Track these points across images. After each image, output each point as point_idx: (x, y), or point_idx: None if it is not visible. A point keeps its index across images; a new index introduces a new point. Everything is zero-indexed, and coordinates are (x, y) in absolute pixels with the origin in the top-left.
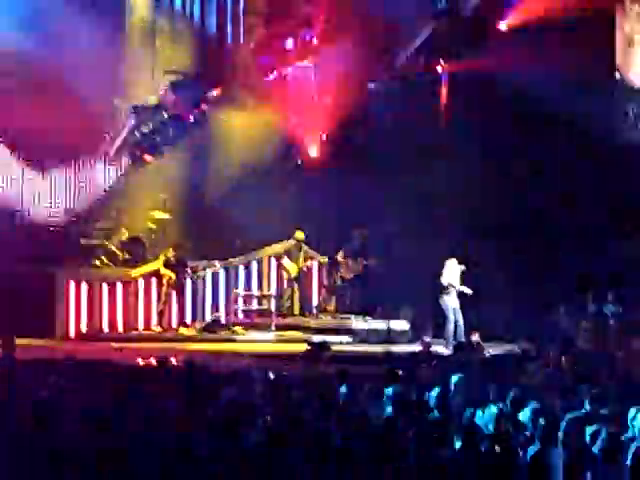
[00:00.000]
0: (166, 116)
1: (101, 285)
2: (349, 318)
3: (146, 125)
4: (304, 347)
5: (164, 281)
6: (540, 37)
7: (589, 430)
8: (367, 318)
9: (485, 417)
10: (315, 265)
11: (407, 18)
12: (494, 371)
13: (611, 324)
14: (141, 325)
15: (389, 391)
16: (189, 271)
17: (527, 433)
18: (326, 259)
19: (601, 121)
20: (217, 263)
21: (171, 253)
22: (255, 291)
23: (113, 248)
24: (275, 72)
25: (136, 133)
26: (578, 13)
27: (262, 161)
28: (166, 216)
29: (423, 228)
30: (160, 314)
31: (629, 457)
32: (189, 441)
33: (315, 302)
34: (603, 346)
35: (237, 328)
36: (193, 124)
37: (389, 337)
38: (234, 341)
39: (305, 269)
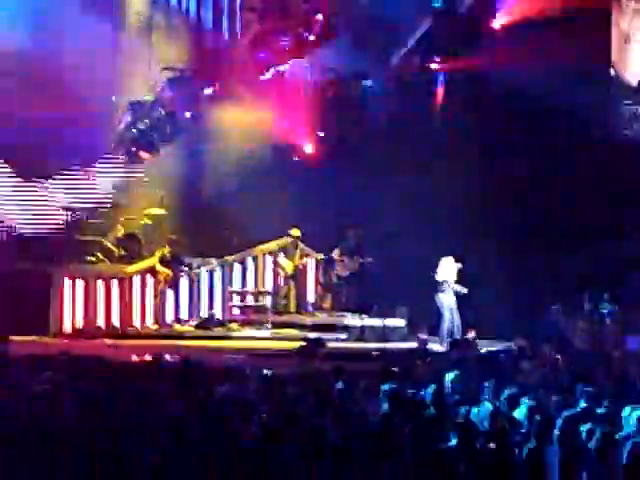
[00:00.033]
0: (163, 113)
1: (96, 281)
2: (345, 315)
3: (143, 122)
4: (299, 344)
5: (160, 278)
6: (537, 34)
7: (584, 428)
8: (363, 315)
9: (481, 414)
10: (311, 262)
11: (405, 16)
12: (490, 368)
13: (607, 323)
14: (136, 322)
15: (385, 388)
16: (185, 268)
17: (523, 430)
18: (322, 257)
19: (598, 118)
20: (213, 260)
21: (167, 250)
22: (251, 288)
23: (109, 244)
24: (272, 69)
25: (133, 130)
26: (573, 12)
27: (258, 158)
28: (162, 213)
29: (419, 226)
30: (156, 311)
31: (624, 456)
32: (184, 437)
33: (311, 299)
34: (599, 345)
35: (233, 325)
36: (190, 121)
37: (385, 334)
38: (230, 338)
39: (301, 266)
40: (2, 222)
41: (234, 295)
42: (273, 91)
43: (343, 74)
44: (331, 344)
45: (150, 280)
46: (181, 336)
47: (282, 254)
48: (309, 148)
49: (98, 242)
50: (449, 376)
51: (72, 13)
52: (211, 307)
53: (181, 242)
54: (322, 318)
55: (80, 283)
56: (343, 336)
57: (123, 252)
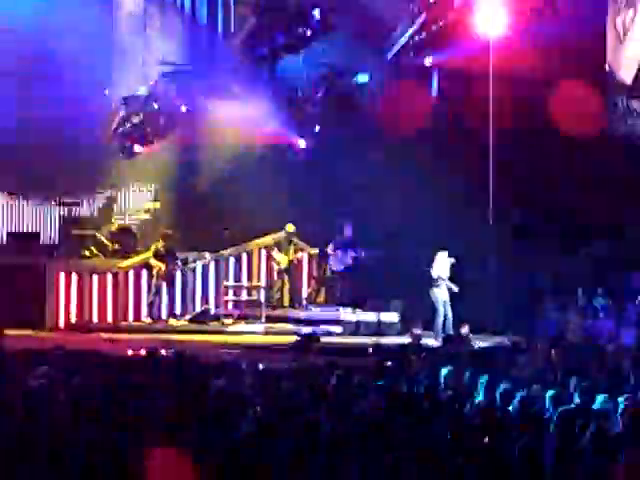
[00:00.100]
0: (156, 107)
1: (91, 276)
2: (338, 310)
3: (136, 116)
4: (294, 339)
5: (154, 272)
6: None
7: (578, 423)
8: (357, 310)
9: (474, 409)
10: (305, 257)
11: (400, 11)
12: (483, 363)
13: (601, 317)
14: (131, 316)
15: (378, 383)
16: (179, 262)
17: (516, 425)
18: (316, 251)
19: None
20: (207, 255)
21: (161, 244)
22: (245, 283)
23: (103, 239)
24: (266, 63)
25: (126, 124)
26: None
27: (253, 152)
28: (157, 207)
29: (413, 220)
30: (150, 305)
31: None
32: (178, 432)
33: (305, 294)
34: (593, 339)
35: (227, 319)
36: (183, 115)
37: (379, 329)
38: (224, 332)
39: (295, 261)
40: None
41: (228, 289)
42: (268, 85)
43: (338, 69)
44: (325, 338)
45: (144, 274)
46: (175, 330)
47: (276, 249)
48: (303, 142)
49: (92, 236)
50: (443, 371)
51: (68, 8)
52: (205, 301)
53: (175, 236)
54: (316, 312)
55: (75, 277)
56: (338, 330)
57: (117, 246)
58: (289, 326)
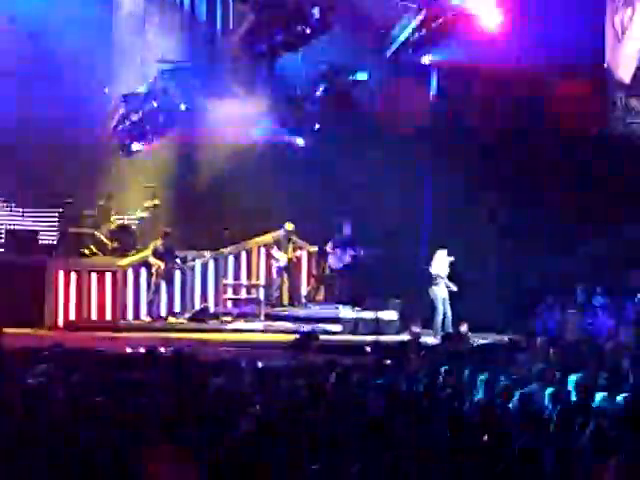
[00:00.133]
0: (156, 105)
1: (90, 274)
2: (337, 308)
3: (136, 114)
4: (293, 337)
5: (153, 271)
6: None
7: (578, 421)
8: (356, 308)
9: (473, 407)
10: (304, 255)
11: (399, 9)
12: (483, 361)
13: (600, 316)
14: (130, 314)
15: (378, 381)
16: (178, 261)
17: (515, 423)
18: (315, 249)
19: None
20: (206, 253)
21: (160, 242)
22: (244, 281)
23: (102, 237)
24: (265, 61)
25: (126, 122)
26: None
27: (252, 151)
28: (156, 205)
29: (412, 219)
30: (149, 303)
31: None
32: (176, 430)
33: (304, 292)
34: (592, 338)
35: (226, 317)
36: (183, 113)
37: (378, 327)
38: (223, 330)
39: (295, 259)
40: None
41: (228, 288)
42: (267, 83)
43: (337, 67)
44: (324, 337)
45: (144, 273)
46: (174, 329)
47: (276, 247)
48: (301, 141)
49: (91, 235)
50: (442, 370)
51: (68, 8)
52: (205, 300)
53: (175, 235)
54: (315, 310)
55: (74, 276)
56: (337, 329)
57: (116, 245)
58: (288, 324)
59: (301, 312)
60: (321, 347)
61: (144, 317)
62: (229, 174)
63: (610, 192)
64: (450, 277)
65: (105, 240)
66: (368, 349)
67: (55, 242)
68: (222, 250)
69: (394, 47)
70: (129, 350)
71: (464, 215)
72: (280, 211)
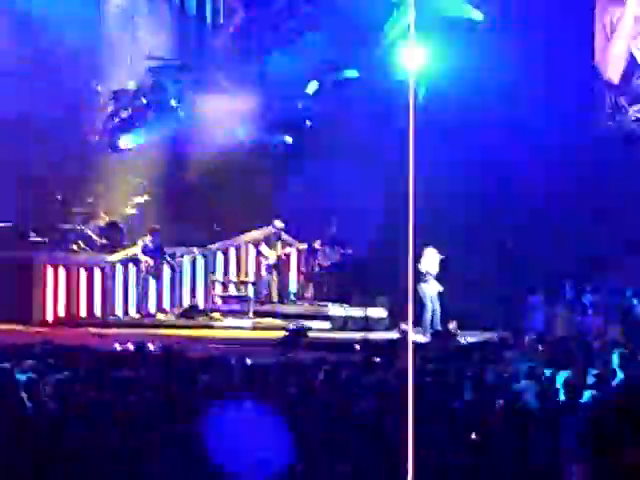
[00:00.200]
0: (145, 101)
1: (79, 270)
2: (326, 305)
3: (125, 110)
4: (282, 334)
5: (142, 267)
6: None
7: (565, 418)
8: (344, 305)
9: (463, 404)
10: (293, 252)
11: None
12: (471, 359)
13: (589, 313)
14: (119, 311)
15: (367, 378)
16: (167, 257)
17: (504, 420)
18: (304, 247)
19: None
20: (195, 249)
21: (149, 239)
22: (233, 278)
23: (91, 233)
24: (255, 57)
25: (115, 119)
26: None
27: (242, 147)
28: (144, 201)
29: (401, 216)
30: (138, 300)
31: None
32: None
33: (293, 289)
34: (580, 335)
35: (215, 314)
36: (172, 109)
37: (367, 324)
38: (212, 327)
39: (283, 256)
40: None
41: (216, 284)
42: (255, 79)
43: (327, 64)
44: (313, 334)
45: (133, 269)
46: (163, 325)
47: (264, 244)
48: (290, 139)
49: (80, 231)
50: (432, 367)
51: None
52: (193, 296)
53: (163, 231)
54: (304, 307)
55: (62, 272)
56: (326, 326)
57: (105, 241)
58: (277, 321)
59: (290, 309)
60: (310, 344)
61: (133, 314)
62: (218, 171)
63: (599, 190)
64: (439, 275)
65: (94, 237)
66: (357, 347)
67: (44, 238)
68: (211, 247)
69: (381, 45)
70: (118, 346)
71: (451, 212)
72: (269, 208)
